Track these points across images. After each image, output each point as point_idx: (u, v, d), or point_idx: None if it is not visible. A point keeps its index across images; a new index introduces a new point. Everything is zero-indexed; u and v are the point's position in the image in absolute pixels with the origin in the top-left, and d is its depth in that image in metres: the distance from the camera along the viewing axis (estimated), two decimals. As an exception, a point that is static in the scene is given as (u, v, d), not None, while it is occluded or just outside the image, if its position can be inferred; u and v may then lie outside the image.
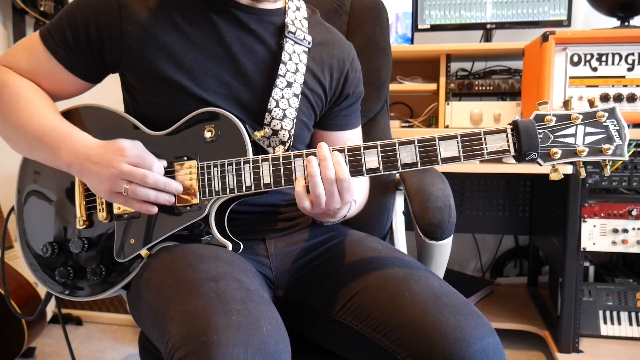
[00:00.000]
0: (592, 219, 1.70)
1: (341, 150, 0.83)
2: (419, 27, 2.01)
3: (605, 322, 1.80)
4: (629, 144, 1.64)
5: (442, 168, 1.02)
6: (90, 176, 0.88)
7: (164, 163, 0.90)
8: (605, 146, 0.77)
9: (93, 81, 0.99)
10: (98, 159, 0.86)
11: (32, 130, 0.91)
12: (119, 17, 0.91)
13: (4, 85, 0.94)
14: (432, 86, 1.95)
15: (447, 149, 0.80)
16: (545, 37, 1.55)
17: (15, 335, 1.75)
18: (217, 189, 0.88)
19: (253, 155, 0.88)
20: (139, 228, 0.92)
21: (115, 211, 0.94)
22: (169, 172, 0.91)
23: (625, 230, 1.69)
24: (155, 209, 0.88)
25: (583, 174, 0.83)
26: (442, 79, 1.92)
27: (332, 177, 0.81)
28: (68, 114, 0.99)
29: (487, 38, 2.02)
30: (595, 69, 1.60)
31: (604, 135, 0.78)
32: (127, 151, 0.85)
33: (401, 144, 0.81)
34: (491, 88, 1.91)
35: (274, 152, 0.95)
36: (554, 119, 0.78)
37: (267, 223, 1.01)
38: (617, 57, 1.59)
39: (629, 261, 2.05)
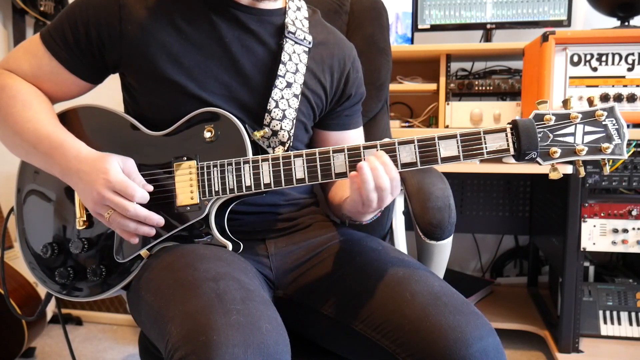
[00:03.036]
0: (592, 219, 1.70)
1: (341, 150, 0.83)
2: (419, 27, 2.01)
3: (605, 322, 1.80)
4: (629, 144, 1.64)
5: (442, 168, 1.02)
6: (78, 190, 0.89)
7: (150, 188, 0.89)
8: (605, 145, 0.77)
9: (94, 82, 0.99)
10: (85, 176, 0.86)
11: (28, 137, 0.91)
12: (119, 18, 0.91)
13: (2, 88, 0.94)
14: (432, 86, 1.95)
15: (447, 149, 0.80)
16: (545, 37, 1.55)
17: (15, 335, 1.75)
18: (216, 189, 0.88)
19: (253, 155, 0.88)
20: (139, 228, 0.92)
21: (115, 211, 0.94)
22: (168, 172, 0.91)
23: (625, 230, 1.69)
24: (136, 240, 0.89)
25: (582, 173, 0.83)
26: (442, 79, 1.92)
27: (387, 186, 0.80)
28: (67, 115, 0.99)
29: (487, 38, 2.02)
30: (595, 69, 1.60)
31: (603, 134, 0.78)
32: (112, 175, 0.84)
33: (401, 143, 0.81)
34: (491, 88, 1.91)
35: (273, 153, 0.95)
36: (553, 118, 0.78)
37: (267, 223, 1.01)
38: (617, 57, 1.59)
39: (629, 261, 2.05)
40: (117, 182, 0.84)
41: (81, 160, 0.87)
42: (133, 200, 0.85)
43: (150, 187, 0.89)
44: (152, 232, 0.89)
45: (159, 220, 0.88)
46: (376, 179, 0.80)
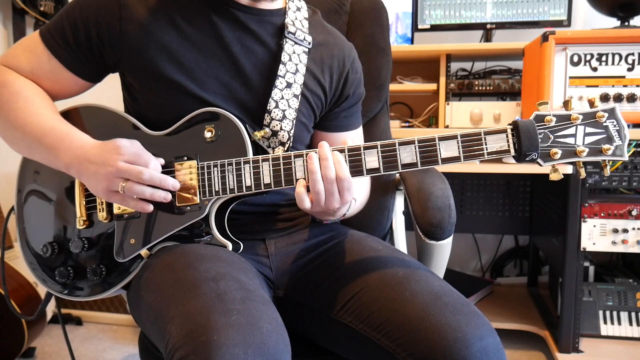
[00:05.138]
0: (592, 219, 1.70)
1: (341, 150, 0.83)
2: (419, 27, 2.01)
3: (605, 322, 1.80)
4: (629, 144, 1.64)
5: (442, 168, 1.02)
6: (88, 176, 0.88)
7: (162, 161, 0.90)
8: (605, 146, 0.77)
9: (93, 80, 0.99)
10: (95, 158, 0.86)
11: (31, 130, 0.91)
12: (119, 17, 0.91)
13: (3, 85, 0.94)
14: (432, 86, 1.95)
15: (447, 149, 0.80)
16: (545, 37, 1.55)
17: (15, 335, 1.75)
18: (217, 189, 0.88)
19: (253, 155, 0.88)
20: (139, 228, 0.92)
21: (115, 211, 0.94)
22: (169, 172, 0.91)
23: (625, 230, 1.69)
24: (150, 207, 0.88)
25: (583, 174, 0.83)
26: (442, 79, 1.92)
27: (332, 177, 0.81)
28: (68, 114, 0.99)
29: (487, 38, 2.02)
30: (595, 69, 1.60)
31: (604, 136, 0.78)
32: (124, 149, 0.85)
33: (401, 144, 0.81)
34: (491, 88, 1.91)
35: (273, 153, 0.95)
36: (554, 119, 0.78)
37: (267, 223, 1.01)
38: (617, 57, 1.59)
39: (629, 261, 2.05)
40: (130, 154, 0.85)
41: (88, 149, 0.88)
42: (148, 166, 0.86)
43: (162, 160, 0.90)
44: (169, 197, 0.88)
45: (174, 182, 0.88)
46: (323, 169, 0.81)
